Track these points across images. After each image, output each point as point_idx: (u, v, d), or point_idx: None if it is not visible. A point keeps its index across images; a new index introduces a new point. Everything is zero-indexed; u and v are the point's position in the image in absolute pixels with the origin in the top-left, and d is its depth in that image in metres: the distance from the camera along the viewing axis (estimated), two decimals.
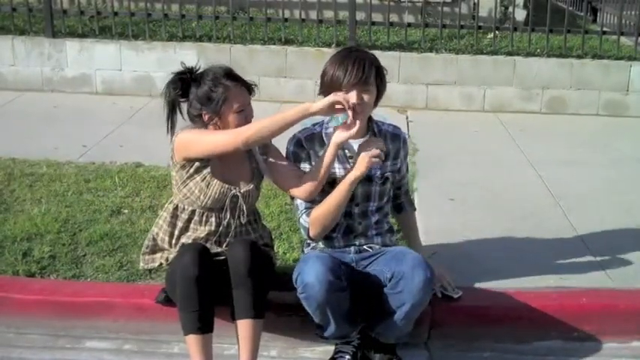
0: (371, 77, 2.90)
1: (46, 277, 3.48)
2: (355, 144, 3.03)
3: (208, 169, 3.01)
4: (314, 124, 3.12)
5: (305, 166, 3.06)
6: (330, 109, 2.85)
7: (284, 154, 3.13)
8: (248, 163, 3.11)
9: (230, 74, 3.00)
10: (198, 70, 3.04)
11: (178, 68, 3.05)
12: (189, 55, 6.65)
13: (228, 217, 3.04)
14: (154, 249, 3.14)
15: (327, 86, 2.94)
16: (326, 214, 3.00)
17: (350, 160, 3.05)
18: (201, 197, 3.00)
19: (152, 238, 3.14)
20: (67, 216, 4.03)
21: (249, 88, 3.02)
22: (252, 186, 3.08)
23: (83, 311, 3.30)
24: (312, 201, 3.03)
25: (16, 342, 3.26)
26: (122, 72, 6.81)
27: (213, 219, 3.04)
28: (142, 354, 3.22)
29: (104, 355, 3.20)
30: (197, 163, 2.99)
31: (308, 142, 3.07)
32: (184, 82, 3.00)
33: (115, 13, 7.03)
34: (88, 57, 6.83)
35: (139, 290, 3.37)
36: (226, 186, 3.02)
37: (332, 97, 2.83)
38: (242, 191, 3.04)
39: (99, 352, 3.22)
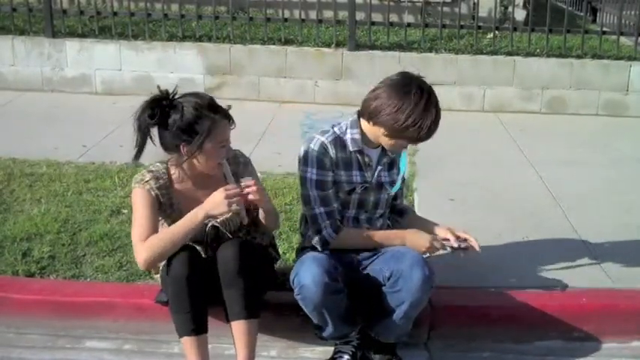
0: None
1: (46, 277, 3.48)
2: (373, 152, 3.03)
3: (176, 212, 2.91)
4: (331, 126, 3.05)
5: (328, 174, 2.95)
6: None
7: (301, 155, 3.01)
8: (218, 187, 2.89)
9: (212, 105, 2.82)
10: (175, 94, 2.83)
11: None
12: (189, 55, 6.67)
13: (212, 247, 2.93)
14: (158, 267, 3.10)
15: (401, 126, 2.83)
16: (354, 244, 3.03)
17: (369, 168, 3.04)
18: None
19: None
20: (66, 216, 4.03)
21: (229, 119, 2.86)
22: (230, 213, 2.88)
23: (83, 311, 3.30)
24: (333, 211, 3.00)
25: (16, 342, 3.26)
26: (122, 72, 6.81)
27: (200, 247, 2.97)
28: (142, 354, 3.22)
29: (104, 355, 3.20)
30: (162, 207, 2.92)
31: (333, 147, 2.97)
32: (161, 108, 2.78)
33: (115, 13, 7.03)
34: (88, 57, 6.83)
35: (139, 290, 3.37)
36: None
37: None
38: (220, 220, 2.93)
39: (99, 352, 3.22)
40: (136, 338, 3.28)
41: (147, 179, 2.90)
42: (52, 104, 6.46)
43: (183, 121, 2.77)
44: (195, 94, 2.87)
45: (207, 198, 2.82)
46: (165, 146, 2.87)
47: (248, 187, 2.81)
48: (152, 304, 3.19)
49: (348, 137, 2.99)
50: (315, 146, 2.96)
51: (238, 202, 2.79)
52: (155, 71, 6.69)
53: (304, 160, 2.99)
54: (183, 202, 2.93)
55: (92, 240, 3.77)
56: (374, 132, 2.94)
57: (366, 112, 2.92)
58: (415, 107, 2.82)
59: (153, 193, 2.89)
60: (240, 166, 3.01)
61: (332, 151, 2.96)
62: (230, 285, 2.81)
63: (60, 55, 6.84)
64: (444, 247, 3.04)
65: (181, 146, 2.81)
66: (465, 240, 3.05)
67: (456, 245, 3.03)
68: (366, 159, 3.03)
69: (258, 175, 3.12)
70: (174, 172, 2.95)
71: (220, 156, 2.86)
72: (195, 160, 2.86)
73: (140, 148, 2.84)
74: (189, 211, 2.86)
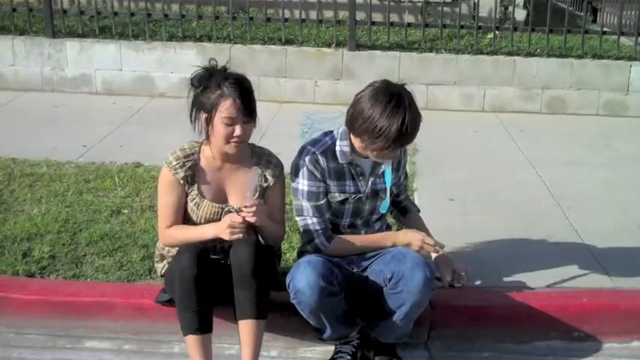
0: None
1: (46, 277, 3.48)
2: (366, 161, 3.00)
3: (195, 190, 2.98)
4: (324, 134, 3.04)
5: (320, 185, 2.97)
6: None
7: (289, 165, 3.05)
8: (245, 176, 2.99)
9: (238, 84, 2.86)
10: (221, 69, 2.93)
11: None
12: (190, 55, 6.66)
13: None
14: (162, 258, 3.14)
15: (372, 135, 2.81)
16: (347, 251, 3.03)
17: (360, 178, 3.02)
18: (194, 217, 3.00)
19: (160, 248, 3.15)
20: (67, 216, 4.03)
21: (250, 112, 2.88)
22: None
23: (83, 311, 3.30)
24: (325, 221, 3.01)
25: (16, 342, 3.26)
26: (122, 72, 6.81)
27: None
28: (141, 354, 3.21)
29: (104, 355, 3.20)
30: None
31: (324, 158, 2.97)
32: (200, 77, 2.91)
33: (115, 13, 7.03)
34: (88, 57, 6.83)
35: (139, 290, 3.36)
36: (217, 205, 2.98)
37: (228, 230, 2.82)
38: (236, 207, 2.97)
39: (99, 352, 3.22)
40: (136, 338, 3.28)
41: (174, 163, 2.97)
42: (52, 104, 6.46)
43: (202, 91, 2.90)
44: (235, 73, 2.94)
45: (221, 222, 2.89)
46: (196, 117, 2.97)
47: (247, 208, 2.83)
48: (152, 304, 3.20)
49: (337, 149, 2.97)
50: (306, 158, 2.96)
51: (240, 231, 2.83)
52: (155, 71, 6.70)
53: (295, 171, 3.00)
54: (205, 181, 2.99)
55: (92, 240, 3.77)
56: (357, 143, 2.93)
57: (347, 122, 2.93)
58: (381, 115, 2.79)
59: (177, 176, 2.96)
60: (270, 166, 3.04)
61: (323, 163, 2.96)
62: (243, 285, 2.83)
63: (60, 55, 6.84)
64: (436, 250, 3.08)
65: (200, 114, 2.92)
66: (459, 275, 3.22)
67: (448, 280, 3.21)
68: (358, 169, 3.00)
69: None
70: (205, 150, 3.02)
71: (225, 132, 2.87)
72: (211, 136, 2.92)
73: (190, 116, 2.96)
74: (207, 192, 2.97)
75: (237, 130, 2.87)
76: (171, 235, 3.00)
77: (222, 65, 2.97)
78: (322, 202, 2.99)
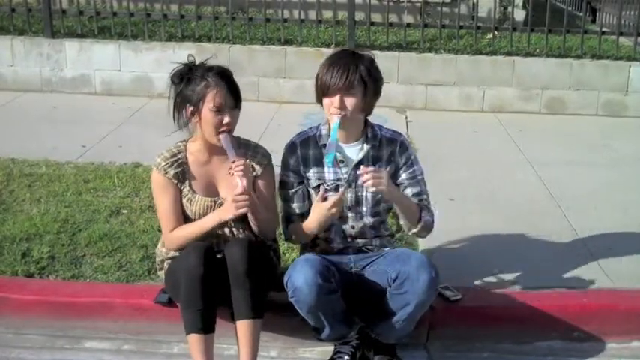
0: (355, 82, 2.86)
1: (46, 278, 3.48)
2: (347, 148, 3.01)
3: (187, 187, 2.99)
4: (310, 128, 3.11)
5: (289, 174, 3.05)
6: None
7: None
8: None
9: (221, 73, 2.94)
10: (199, 64, 2.98)
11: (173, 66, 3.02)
12: None
13: (222, 227, 3.00)
14: (163, 262, 3.14)
15: (317, 90, 2.96)
16: (301, 238, 3.11)
17: (341, 164, 3.02)
18: (188, 213, 3.01)
19: (162, 254, 3.14)
20: (66, 216, 4.03)
21: (236, 98, 2.95)
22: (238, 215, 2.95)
23: (83, 311, 3.30)
24: (289, 209, 3.11)
25: (16, 342, 3.25)
26: (121, 72, 6.80)
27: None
28: (141, 354, 3.21)
29: (104, 355, 3.20)
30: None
31: (303, 146, 3.05)
32: (180, 74, 2.96)
33: (114, 14, 7.03)
34: (87, 57, 6.82)
35: (138, 290, 3.36)
36: (209, 199, 2.99)
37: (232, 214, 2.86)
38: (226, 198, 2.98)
39: (98, 352, 3.21)
40: (135, 338, 3.27)
41: (163, 164, 2.99)
42: (52, 104, 6.45)
43: (186, 85, 2.93)
44: (215, 65, 2.98)
45: (224, 204, 2.93)
46: (175, 108, 2.99)
47: (235, 164, 2.86)
48: (152, 305, 3.20)
49: (317, 133, 3.06)
50: (285, 147, 3.09)
51: (246, 204, 2.84)
52: (154, 71, 6.69)
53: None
54: (195, 177, 3.01)
55: (92, 240, 3.77)
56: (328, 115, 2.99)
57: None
58: (323, 64, 2.93)
59: (168, 175, 2.98)
60: (257, 156, 3.08)
61: (300, 151, 3.05)
62: (238, 285, 2.83)
63: (59, 56, 6.83)
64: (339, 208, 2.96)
65: (186, 108, 2.94)
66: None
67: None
68: (337, 155, 2.98)
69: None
70: (191, 147, 3.04)
71: (214, 120, 2.90)
72: (199, 128, 2.95)
73: (173, 115, 2.98)
74: (198, 187, 3.00)
75: (226, 118, 2.92)
76: (176, 237, 3.00)
77: (200, 61, 3.00)
78: (289, 190, 3.08)
